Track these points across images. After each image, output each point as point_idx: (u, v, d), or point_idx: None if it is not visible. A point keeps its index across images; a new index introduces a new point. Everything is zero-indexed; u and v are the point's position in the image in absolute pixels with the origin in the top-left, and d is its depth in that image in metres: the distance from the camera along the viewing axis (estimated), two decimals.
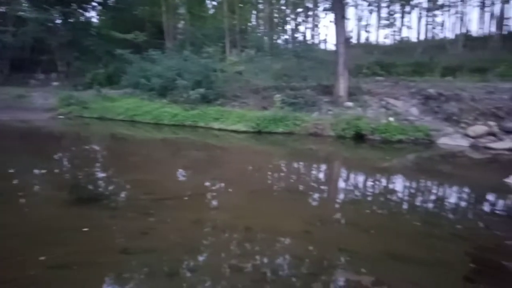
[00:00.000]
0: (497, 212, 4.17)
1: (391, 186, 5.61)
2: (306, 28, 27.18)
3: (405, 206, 4.53)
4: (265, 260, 2.96)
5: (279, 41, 16.25)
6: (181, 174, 6.24)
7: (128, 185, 5.09)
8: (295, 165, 7.33)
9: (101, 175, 5.94)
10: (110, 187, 5.07)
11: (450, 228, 3.61)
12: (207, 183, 5.41)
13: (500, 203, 4.64)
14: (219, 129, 11.00)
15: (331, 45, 27.17)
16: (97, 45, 20.75)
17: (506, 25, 22.71)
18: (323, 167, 7.29)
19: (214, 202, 4.59)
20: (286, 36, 14.96)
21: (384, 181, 5.89)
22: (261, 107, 11.99)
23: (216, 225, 3.63)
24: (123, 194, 4.70)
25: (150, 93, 14.30)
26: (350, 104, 10.68)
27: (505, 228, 3.43)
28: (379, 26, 26.67)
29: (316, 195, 4.95)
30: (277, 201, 4.63)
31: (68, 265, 2.73)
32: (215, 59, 14.37)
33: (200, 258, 2.98)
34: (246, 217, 3.85)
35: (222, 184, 5.36)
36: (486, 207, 4.41)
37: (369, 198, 4.82)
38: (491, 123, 9.25)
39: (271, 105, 11.47)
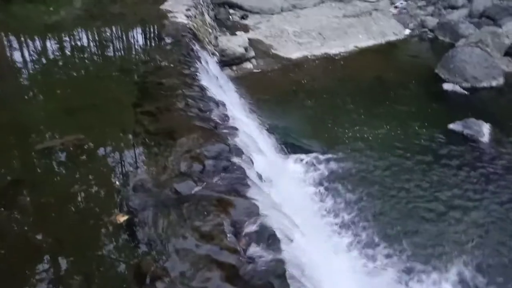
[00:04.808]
0: (163, 40, 4.83)
1: (73, 42, 5.25)
2: None
3: (86, 57, 4.52)
4: None
5: None
6: None
7: None
8: None
9: None
10: None
11: (119, 66, 4.02)
12: None
13: (167, 32, 5.29)
14: None
15: None
16: None
17: None
18: None
19: None
20: None
21: (64, 39, 5.42)
22: None
23: None
24: None
25: None
26: None
27: (160, 53, 4.12)
28: None
29: None
30: None
31: None
32: None
33: None
34: None
35: None
36: (153, 40, 5.04)
37: (56, 63, 4.45)
38: None
39: None
